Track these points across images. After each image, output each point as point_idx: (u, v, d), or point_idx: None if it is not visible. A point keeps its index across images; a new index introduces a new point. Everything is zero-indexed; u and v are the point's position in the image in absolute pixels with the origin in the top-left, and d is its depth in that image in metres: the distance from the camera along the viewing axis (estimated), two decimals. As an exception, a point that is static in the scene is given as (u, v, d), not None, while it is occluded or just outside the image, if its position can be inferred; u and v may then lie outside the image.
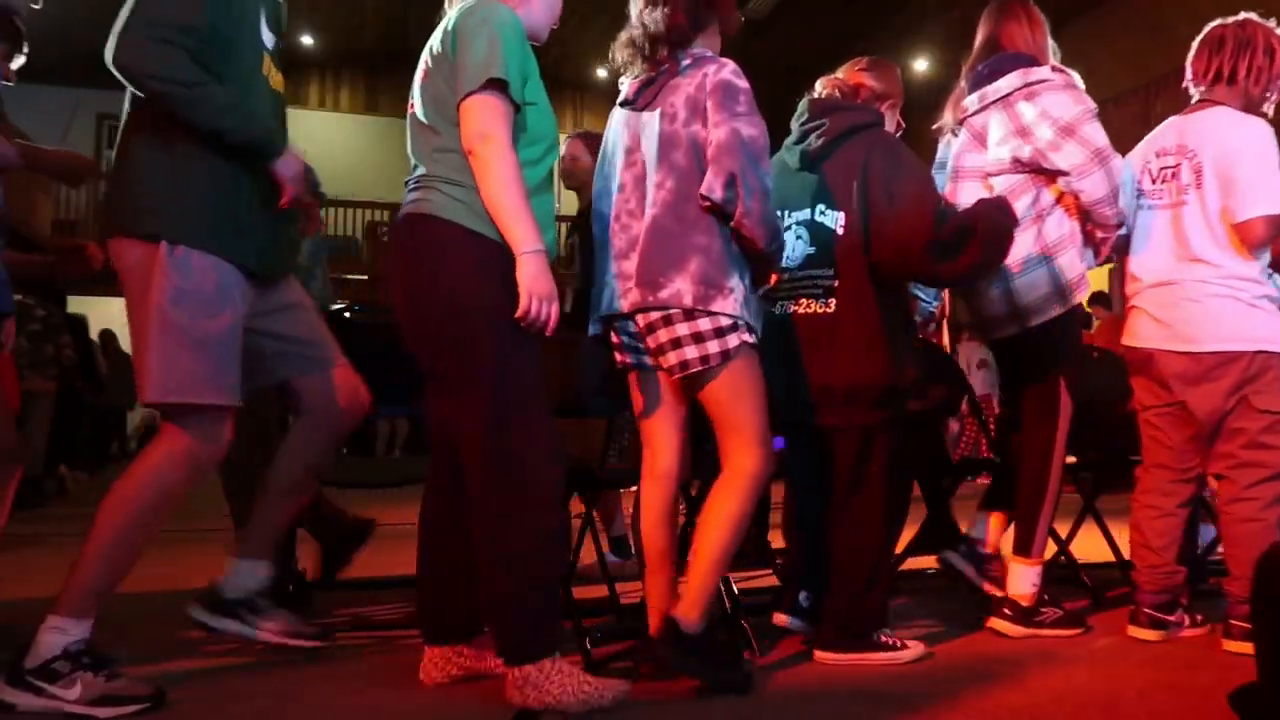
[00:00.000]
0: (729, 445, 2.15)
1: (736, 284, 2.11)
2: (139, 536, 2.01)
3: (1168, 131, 2.71)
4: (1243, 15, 2.67)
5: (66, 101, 12.12)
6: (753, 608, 2.57)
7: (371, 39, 14.99)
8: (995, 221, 2.43)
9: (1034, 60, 2.65)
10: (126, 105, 2.07)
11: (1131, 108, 9.51)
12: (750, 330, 2.14)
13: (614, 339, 2.24)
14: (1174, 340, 2.55)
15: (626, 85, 2.28)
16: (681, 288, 2.07)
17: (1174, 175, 2.62)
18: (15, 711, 1.90)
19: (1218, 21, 2.69)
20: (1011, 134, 2.62)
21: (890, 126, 2.61)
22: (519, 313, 1.91)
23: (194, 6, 1.96)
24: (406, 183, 2.10)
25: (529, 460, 1.95)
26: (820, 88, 2.60)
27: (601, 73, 15.18)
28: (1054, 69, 2.64)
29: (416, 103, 2.07)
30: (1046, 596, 2.68)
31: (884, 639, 2.37)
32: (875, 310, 2.38)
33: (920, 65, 13.12)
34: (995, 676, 2.22)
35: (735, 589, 2.52)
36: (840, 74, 2.63)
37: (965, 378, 3.61)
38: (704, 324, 2.07)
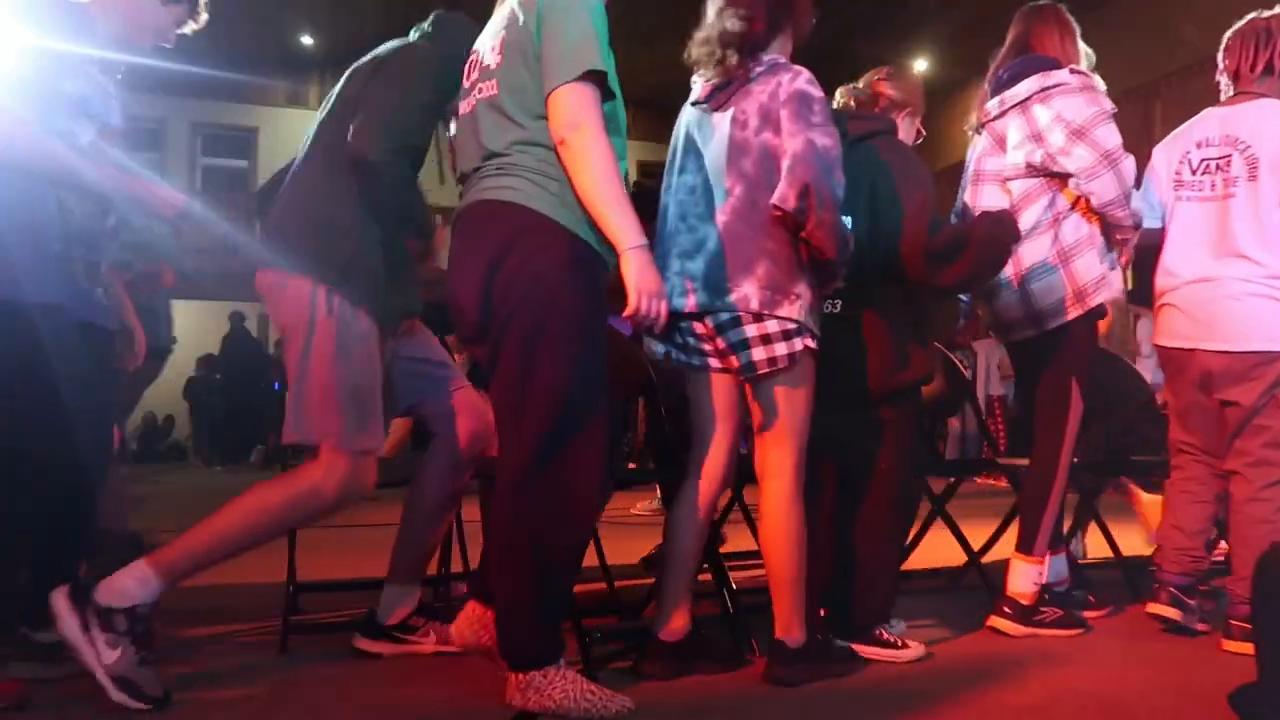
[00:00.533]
0: (770, 455, 2.16)
1: (803, 290, 2.12)
2: (251, 543, 2.07)
3: (1208, 122, 2.68)
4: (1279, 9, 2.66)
5: (67, 101, 12.09)
6: (752, 606, 2.57)
7: (371, 39, 14.89)
8: (991, 235, 2.44)
9: (1055, 64, 2.64)
10: (310, 147, 2.19)
11: (1132, 108, 9.52)
12: (814, 336, 2.15)
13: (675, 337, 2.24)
14: (1213, 338, 2.54)
15: (698, 85, 2.27)
16: (748, 291, 2.08)
17: (1219, 167, 2.59)
18: (54, 630, 1.92)
19: (1255, 14, 2.68)
20: (1027, 138, 2.63)
21: (908, 134, 2.64)
22: (628, 311, 1.85)
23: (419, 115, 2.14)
24: (477, 169, 1.98)
25: (577, 472, 1.88)
26: (839, 97, 2.63)
27: (602, 72, 14.99)
28: (1072, 71, 2.62)
29: (490, 86, 1.95)
30: (1048, 596, 2.68)
31: (885, 635, 2.38)
32: (876, 312, 2.40)
33: (920, 65, 13.10)
34: (995, 676, 2.22)
35: (735, 586, 2.52)
36: (860, 83, 2.66)
37: (965, 377, 3.61)
38: (771, 326, 2.09)
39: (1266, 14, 2.67)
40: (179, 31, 2.38)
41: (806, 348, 2.12)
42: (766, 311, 2.08)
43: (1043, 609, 2.63)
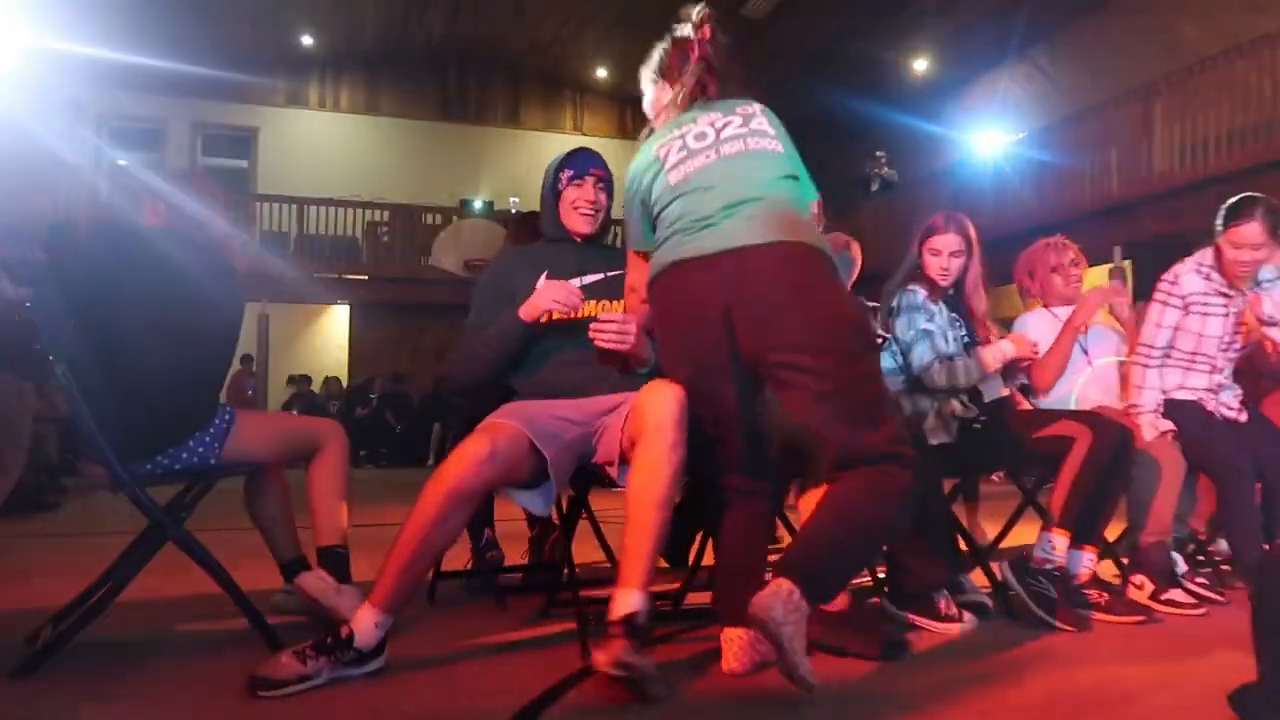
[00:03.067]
0: None
1: None
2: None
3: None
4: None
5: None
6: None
7: (371, 39, 14.97)
8: None
9: None
10: None
11: (1132, 108, 9.51)
12: None
13: None
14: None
15: None
16: None
17: None
18: None
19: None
20: None
21: None
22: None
23: None
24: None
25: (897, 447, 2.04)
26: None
27: (602, 73, 15.18)
28: None
29: (765, 140, 2.20)
30: (1056, 575, 2.74)
31: (941, 608, 2.65)
32: None
33: (920, 65, 13.09)
34: (995, 676, 2.22)
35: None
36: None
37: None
38: None
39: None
40: None
41: None
42: None
43: (1040, 578, 2.71)
